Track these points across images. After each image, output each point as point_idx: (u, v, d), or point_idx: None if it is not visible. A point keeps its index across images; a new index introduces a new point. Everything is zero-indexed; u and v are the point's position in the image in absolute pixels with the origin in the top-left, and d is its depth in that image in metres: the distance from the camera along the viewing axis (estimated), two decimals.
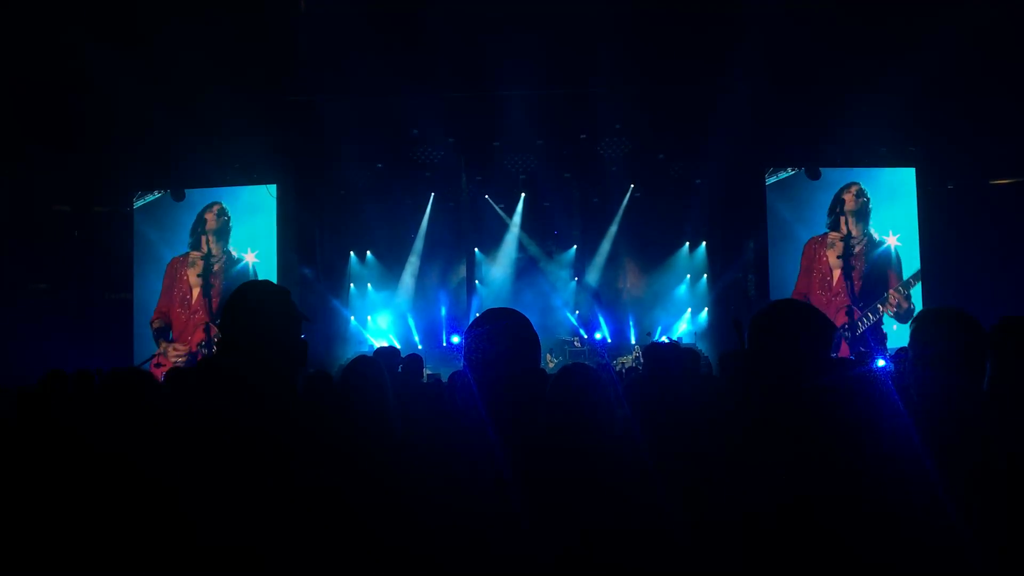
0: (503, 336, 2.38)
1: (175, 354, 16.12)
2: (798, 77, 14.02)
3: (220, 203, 16.89)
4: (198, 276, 16.75)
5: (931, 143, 15.69)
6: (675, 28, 13.67)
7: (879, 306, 16.28)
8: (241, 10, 13.00)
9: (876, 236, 16.44)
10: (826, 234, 16.51)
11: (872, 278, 16.43)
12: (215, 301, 16.59)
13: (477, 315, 2.49)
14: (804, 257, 16.46)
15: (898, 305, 16.20)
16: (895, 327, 15.97)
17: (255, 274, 16.20)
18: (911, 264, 16.32)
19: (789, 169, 16.33)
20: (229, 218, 16.88)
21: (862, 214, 16.49)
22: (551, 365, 16.89)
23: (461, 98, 15.32)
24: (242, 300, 2.35)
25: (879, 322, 16.11)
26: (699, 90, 14.90)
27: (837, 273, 16.38)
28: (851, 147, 15.97)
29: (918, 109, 14.38)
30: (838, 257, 16.40)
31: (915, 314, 2.88)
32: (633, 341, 18.96)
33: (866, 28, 12.59)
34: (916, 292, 15.96)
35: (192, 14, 12.68)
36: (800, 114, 14.66)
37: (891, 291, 16.32)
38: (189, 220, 16.86)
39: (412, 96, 15.07)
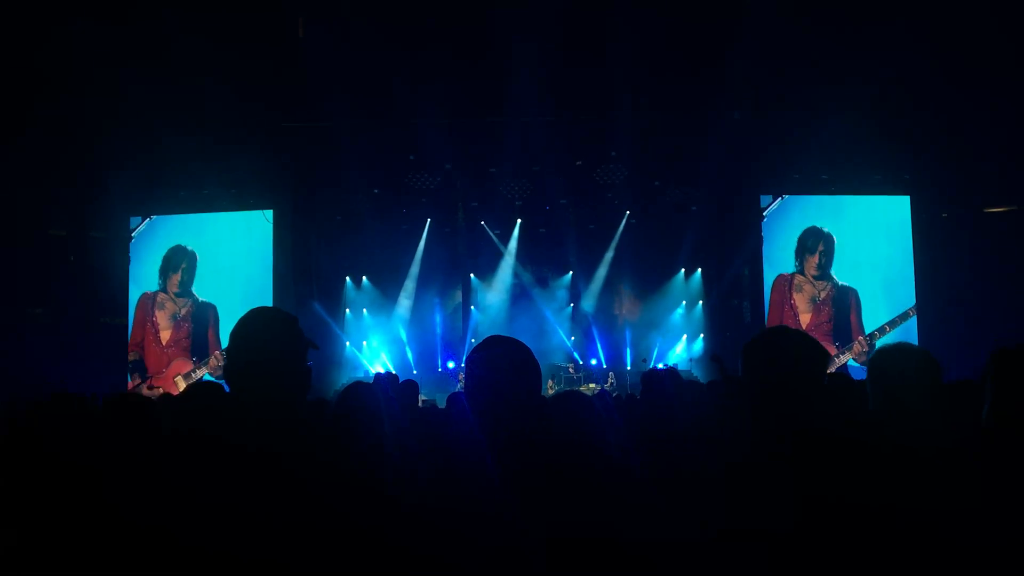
0: (503, 363, 2.38)
1: (150, 393, 15.92)
2: (793, 106, 14.12)
3: (185, 247, 17.03)
4: (169, 319, 16.92)
5: (925, 171, 15.77)
6: (671, 57, 13.77)
7: (841, 354, 16.25)
8: (241, 37, 13.07)
9: (839, 282, 16.52)
10: (794, 274, 16.59)
11: (840, 324, 16.47)
12: (187, 343, 16.77)
13: (473, 341, 2.50)
14: (774, 291, 16.53)
15: (860, 353, 16.16)
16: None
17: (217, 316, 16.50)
18: (881, 304, 16.37)
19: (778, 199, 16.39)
20: (196, 259, 17.05)
21: (826, 259, 16.56)
22: (552, 391, 16.85)
23: (458, 124, 15.40)
24: (251, 326, 2.36)
25: (844, 368, 16.00)
26: (694, 117, 15.00)
27: (806, 317, 16.42)
28: (846, 175, 16.05)
29: (912, 138, 14.48)
30: (808, 301, 16.49)
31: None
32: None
33: (858, 58, 12.69)
34: (911, 322, 15.91)
35: (193, 40, 12.76)
36: (796, 142, 14.75)
37: (857, 339, 16.31)
38: (157, 254, 17.05)
39: (409, 122, 15.15)
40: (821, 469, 2.14)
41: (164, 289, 16.98)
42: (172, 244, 16.94)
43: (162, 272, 17.05)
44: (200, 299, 16.98)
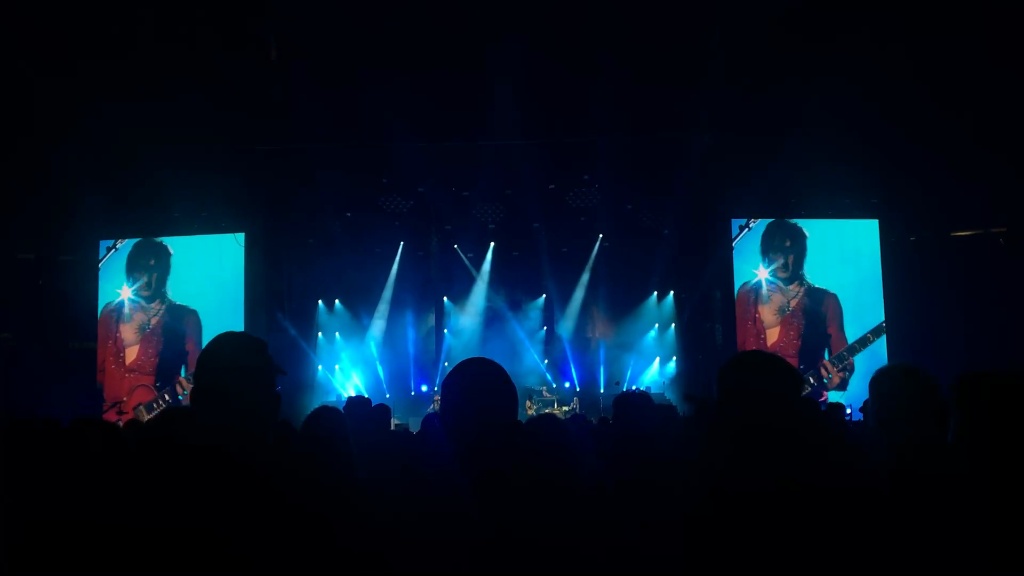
0: (480, 385, 2.37)
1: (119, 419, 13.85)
2: (762, 128, 14.25)
3: (154, 240, 16.00)
4: (136, 332, 15.94)
5: (894, 194, 15.94)
6: (641, 80, 13.88)
7: (810, 379, 15.27)
8: (212, 60, 13.04)
9: (813, 284, 15.78)
10: (759, 281, 15.86)
11: (812, 340, 15.58)
12: (153, 362, 15.69)
13: (447, 365, 2.49)
14: (738, 305, 15.91)
15: (831, 378, 15.33)
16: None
17: (198, 324, 15.81)
18: (859, 317, 15.79)
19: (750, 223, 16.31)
20: (171, 255, 16.08)
21: (796, 257, 15.73)
22: (530, 412, 16.83)
23: (431, 148, 15.43)
24: (217, 351, 2.33)
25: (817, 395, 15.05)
26: (665, 141, 15.12)
27: (773, 333, 15.80)
28: (815, 198, 16.20)
29: (881, 161, 14.64)
30: (776, 312, 15.87)
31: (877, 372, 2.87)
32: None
33: (827, 79, 12.83)
34: (880, 344, 15.88)
35: (164, 63, 12.73)
36: (765, 166, 14.86)
37: (822, 363, 15.51)
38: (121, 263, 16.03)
39: (383, 145, 15.16)
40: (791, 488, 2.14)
41: (135, 295, 15.73)
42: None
43: (128, 273, 15.87)
44: (175, 303, 15.97)
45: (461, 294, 19.83)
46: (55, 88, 12.48)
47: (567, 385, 19.15)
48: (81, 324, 16.17)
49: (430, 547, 2.10)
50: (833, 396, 14.67)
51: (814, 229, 16.19)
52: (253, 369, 2.32)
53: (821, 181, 15.26)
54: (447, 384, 2.41)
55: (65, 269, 16.36)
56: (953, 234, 16.17)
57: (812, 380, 15.52)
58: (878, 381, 2.91)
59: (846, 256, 16.10)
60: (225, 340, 2.37)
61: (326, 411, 3.87)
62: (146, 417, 14.73)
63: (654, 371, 18.76)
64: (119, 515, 2.10)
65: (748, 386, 2.35)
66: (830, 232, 16.26)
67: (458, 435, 2.32)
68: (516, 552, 2.09)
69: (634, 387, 17.68)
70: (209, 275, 16.40)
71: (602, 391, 18.74)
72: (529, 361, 19.36)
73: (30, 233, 15.76)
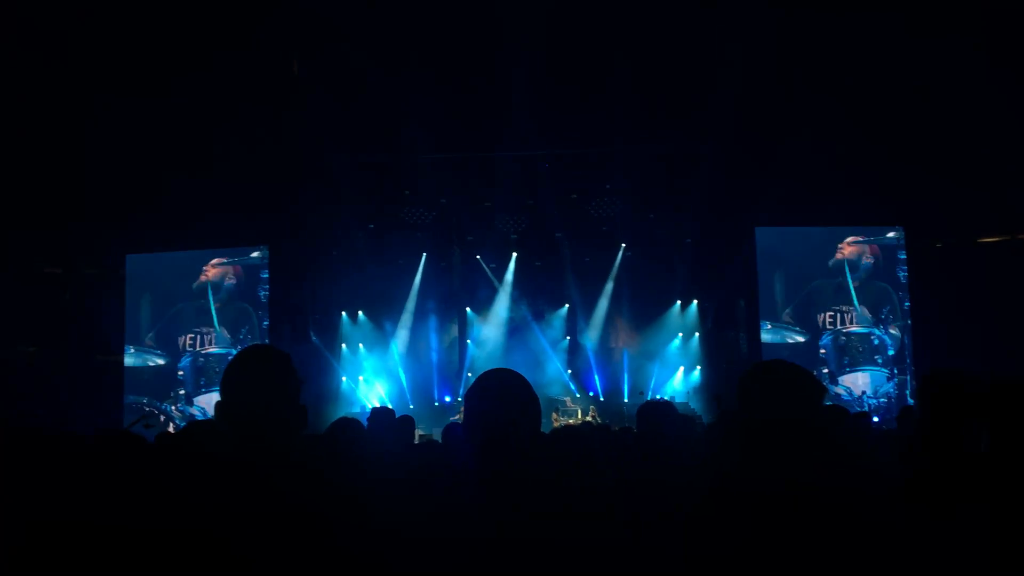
0: (503, 397, 2.37)
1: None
2: (783, 135, 14.17)
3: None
4: None
5: (919, 201, 15.78)
6: (663, 89, 13.86)
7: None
8: (236, 74, 13.15)
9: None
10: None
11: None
12: None
13: (470, 375, 2.49)
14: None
15: None
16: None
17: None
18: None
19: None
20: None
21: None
22: (556, 424, 16.80)
23: (453, 159, 15.47)
24: (243, 364, 2.35)
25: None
26: (688, 150, 15.09)
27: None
28: (839, 206, 16.06)
29: (904, 167, 14.51)
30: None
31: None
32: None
33: (851, 84, 12.77)
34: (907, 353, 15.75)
35: (188, 76, 12.86)
36: (787, 173, 14.78)
37: None
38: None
39: (405, 157, 15.22)
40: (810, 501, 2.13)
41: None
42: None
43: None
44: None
45: (484, 304, 19.84)
46: (82, 100, 12.63)
47: (591, 395, 19.10)
48: (107, 338, 16.29)
49: (447, 557, 2.10)
50: None
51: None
52: (278, 383, 2.33)
53: (845, 188, 15.14)
54: (470, 395, 2.41)
55: (91, 283, 16.50)
56: (979, 240, 16.00)
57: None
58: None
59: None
60: (251, 353, 2.39)
61: (347, 422, 3.88)
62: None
63: (678, 380, 18.68)
64: (143, 527, 2.12)
65: (766, 393, 2.34)
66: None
67: (480, 446, 2.32)
68: (533, 562, 2.09)
69: (658, 396, 17.61)
70: (235, 287, 16.49)
71: (626, 400, 18.68)
72: (552, 371, 19.34)
73: (56, 247, 15.91)
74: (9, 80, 12.09)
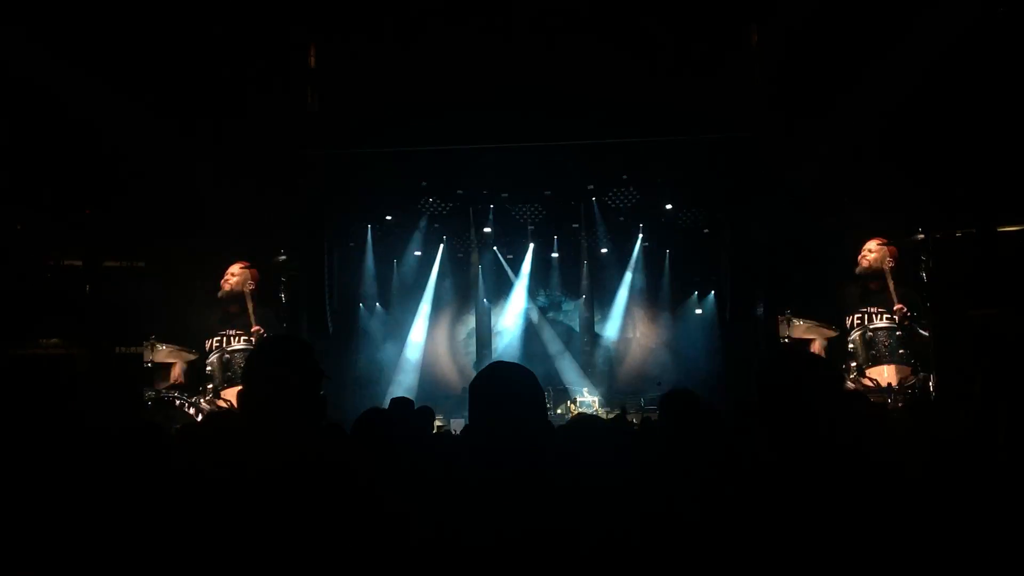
0: (505, 389, 2.37)
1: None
2: (799, 121, 14.05)
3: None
4: None
5: (935, 190, 15.58)
6: (680, 77, 13.78)
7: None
8: (252, 66, 13.18)
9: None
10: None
11: None
12: None
13: (482, 369, 2.48)
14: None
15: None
16: None
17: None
18: None
19: None
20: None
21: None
22: (572, 414, 16.79)
23: (470, 150, 15.44)
24: (265, 354, 2.36)
25: None
26: (705, 139, 15.00)
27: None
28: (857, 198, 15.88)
29: (921, 155, 14.34)
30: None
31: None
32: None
33: (865, 70, 12.65)
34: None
35: (205, 70, 12.89)
36: (800, 161, 14.66)
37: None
38: None
39: (421, 148, 15.20)
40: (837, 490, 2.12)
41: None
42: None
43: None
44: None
45: (501, 295, 19.87)
46: (102, 97, 12.68)
47: (608, 386, 19.10)
48: (127, 330, 16.33)
49: (456, 550, 2.11)
50: None
51: None
52: (299, 372, 2.34)
53: (860, 176, 14.97)
54: (472, 386, 2.41)
55: (112, 275, 16.54)
56: (1000, 229, 15.79)
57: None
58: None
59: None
60: (274, 343, 2.41)
61: (375, 413, 3.89)
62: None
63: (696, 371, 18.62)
64: (166, 518, 2.14)
65: (787, 384, 2.34)
66: None
67: (485, 437, 2.32)
68: (533, 555, 2.09)
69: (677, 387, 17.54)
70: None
71: (644, 391, 18.64)
72: (569, 362, 19.35)
73: (77, 240, 15.96)
74: (25, 70, 12.13)
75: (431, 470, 3.79)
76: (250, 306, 15.40)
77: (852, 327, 15.31)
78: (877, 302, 15.18)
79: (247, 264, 15.66)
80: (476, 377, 2.43)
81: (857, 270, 15.17)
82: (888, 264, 15.12)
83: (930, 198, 14.77)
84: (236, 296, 15.44)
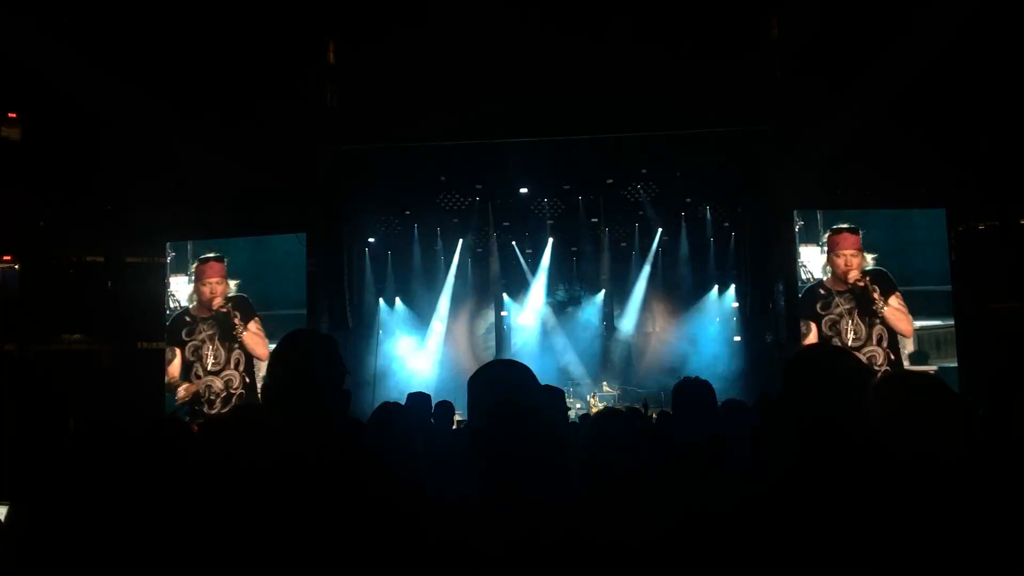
0: (499, 388, 2.35)
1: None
2: (821, 114, 13.95)
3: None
4: None
5: (961, 181, 15.41)
6: (700, 72, 13.71)
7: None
8: (272, 61, 13.22)
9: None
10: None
11: None
12: None
13: (477, 370, 2.48)
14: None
15: None
16: None
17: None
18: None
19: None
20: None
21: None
22: (595, 409, 16.76)
23: (488, 144, 15.42)
24: (291, 348, 2.36)
25: None
26: (724, 132, 14.93)
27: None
28: (879, 187, 15.72)
29: (946, 146, 14.21)
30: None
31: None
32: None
33: (884, 61, 12.55)
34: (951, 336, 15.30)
35: (223, 66, 12.94)
36: (825, 154, 14.56)
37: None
38: None
39: (440, 143, 15.20)
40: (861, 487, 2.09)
41: None
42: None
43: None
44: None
45: (520, 290, 19.87)
46: (124, 96, 12.74)
47: (628, 380, 19.05)
48: (149, 325, 16.41)
49: (460, 550, 2.09)
50: None
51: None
52: (323, 366, 2.34)
53: (886, 169, 14.85)
54: (470, 384, 2.40)
55: (133, 271, 16.62)
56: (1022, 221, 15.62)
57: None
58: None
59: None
60: (298, 337, 2.40)
61: (392, 407, 3.88)
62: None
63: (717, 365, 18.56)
64: (187, 511, 2.14)
65: (816, 381, 2.31)
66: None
67: (481, 434, 2.32)
68: (534, 555, 2.06)
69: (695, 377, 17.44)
70: (273, 273, 16.44)
71: (666, 387, 18.57)
72: (589, 356, 19.33)
73: (98, 235, 16.05)
74: (47, 67, 12.21)
75: (445, 465, 3.78)
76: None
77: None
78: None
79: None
80: (473, 375, 2.41)
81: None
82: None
83: (954, 188, 14.69)
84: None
